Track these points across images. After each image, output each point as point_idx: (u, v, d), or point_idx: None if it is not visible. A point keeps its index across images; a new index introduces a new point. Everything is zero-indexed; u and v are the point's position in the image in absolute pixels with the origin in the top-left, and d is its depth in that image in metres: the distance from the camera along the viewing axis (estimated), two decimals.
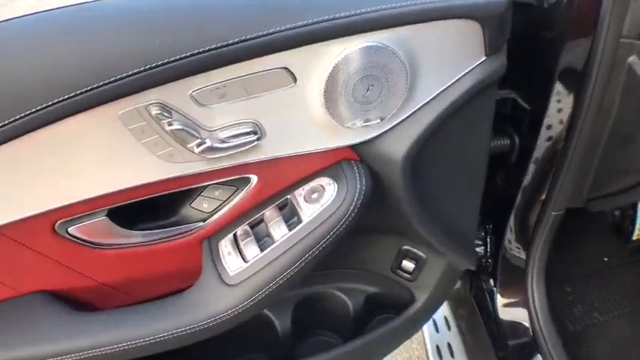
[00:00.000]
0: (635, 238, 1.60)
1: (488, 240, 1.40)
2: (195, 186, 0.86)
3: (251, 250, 0.90)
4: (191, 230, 0.93)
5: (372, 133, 0.88)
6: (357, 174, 0.89)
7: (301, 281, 0.91)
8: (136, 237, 0.90)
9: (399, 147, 0.87)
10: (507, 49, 0.91)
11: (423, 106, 0.87)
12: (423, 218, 1.02)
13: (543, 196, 1.22)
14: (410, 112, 0.87)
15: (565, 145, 1.13)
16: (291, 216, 0.92)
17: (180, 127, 0.74)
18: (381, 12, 0.75)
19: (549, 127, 1.14)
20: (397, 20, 0.77)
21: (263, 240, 0.91)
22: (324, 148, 0.87)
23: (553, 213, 1.22)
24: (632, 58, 1.01)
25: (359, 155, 0.92)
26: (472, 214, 1.14)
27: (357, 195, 0.88)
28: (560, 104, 1.11)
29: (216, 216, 0.93)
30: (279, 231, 0.90)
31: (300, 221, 0.89)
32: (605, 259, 1.62)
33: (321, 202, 0.89)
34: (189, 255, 0.95)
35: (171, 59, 0.68)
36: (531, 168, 1.20)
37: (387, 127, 0.87)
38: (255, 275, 0.87)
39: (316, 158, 0.89)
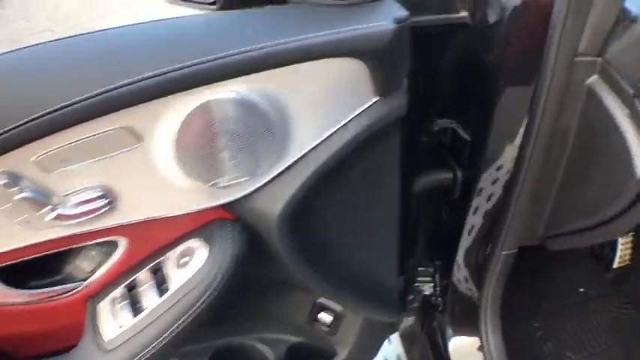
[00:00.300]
0: (616, 266, 1.41)
1: (437, 277, 1.23)
2: (70, 247, 0.82)
3: (125, 314, 0.85)
4: (75, 289, 0.89)
5: (242, 191, 0.79)
6: (230, 235, 0.83)
7: (201, 337, 0.89)
8: (21, 296, 0.86)
9: (274, 204, 0.79)
10: (446, 72, 0.84)
11: (301, 158, 0.78)
12: (317, 273, 0.90)
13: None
14: (284, 167, 0.78)
15: (513, 178, 0.96)
16: (162, 281, 0.86)
17: (29, 195, 0.71)
18: (233, 58, 0.66)
19: (493, 158, 0.97)
20: (253, 66, 0.68)
21: (137, 305, 0.86)
22: (189, 210, 0.79)
23: (503, 253, 1.05)
24: (592, 79, 0.87)
25: (234, 213, 0.82)
26: (389, 262, 1.01)
27: (229, 259, 0.80)
28: (505, 133, 0.96)
29: (96, 276, 0.88)
30: (149, 297, 0.84)
31: (167, 289, 0.83)
32: (582, 290, 1.44)
33: (190, 267, 0.81)
34: (74, 314, 0.91)
35: (5, 129, 0.65)
36: (476, 203, 1.03)
37: (260, 184, 0.79)
38: (130, 341, 0.83)
39: (186, 219, 0.82)
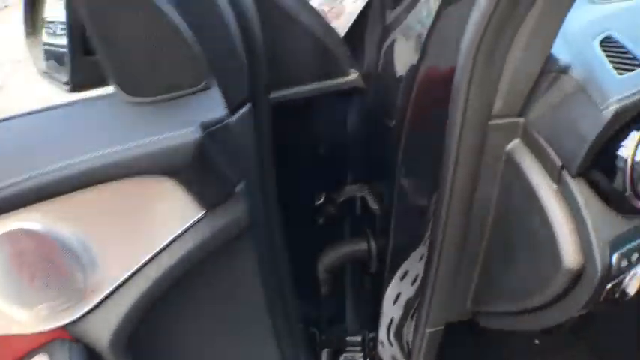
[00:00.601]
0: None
1: (366, 348, 1.09)
2: None
3: None
4: None
5: (70, 316, 0.69)
6: (69, 356, 0.72)
7: None
8: None
9: (104, 328, 0.70)
10: (351, 138, 0.76)
11: (128, 280, 0.67)
12: None
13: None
14: (108, 292, 0.67)
15: (430, 253, 0.81)
16: None
17: None
18: (16, 187, 0.55)
19: (404, 229, 0.83)
20: (36, 195, 0.56)
21: None
22: (24, 332, 0.71)
23: (428, 330, 0.91)
24: (513, 144, 0.72)
25: (71, 335, 0.72)
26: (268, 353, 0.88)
27: None
28: (415, 204, 0.84)
29: None
30: None
31: None
32: (537, 342, 1.30)
33: None
34: None
35: None
36: (395, 276, 0.89)
37: (88, 308, 0.69)
38: None
39: (27, 339, 0.74)
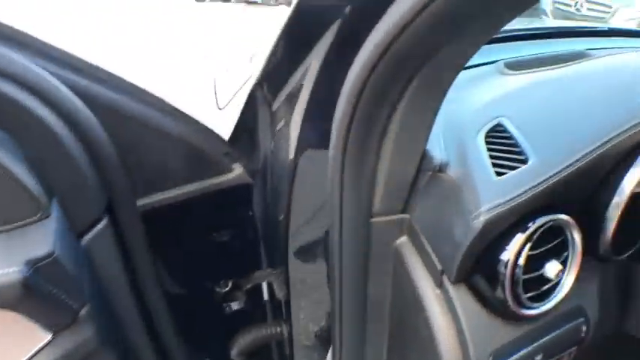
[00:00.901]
0: None
1: None
2: None
3: None
4: None
5: None
6: None
7: None
8: None
9: None
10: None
11: None
12: None
13: None
14: None
15: (332, 347, 0.78)
16: None
17: None
18: None
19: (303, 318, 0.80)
20: None
21: None
22: None
23: None
24: (401, 241, 0.70)
25: None
26: None
27: None
28: (311, 294, 0.83)
29: None
30: None
31: None
32: None
33: None
34: None
35: None
36: None
37: None
38: None
39: None
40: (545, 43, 1.24)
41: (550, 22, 4.54)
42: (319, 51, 0.65)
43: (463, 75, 0.91)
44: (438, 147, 0.66)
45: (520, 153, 0.67)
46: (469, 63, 0.96)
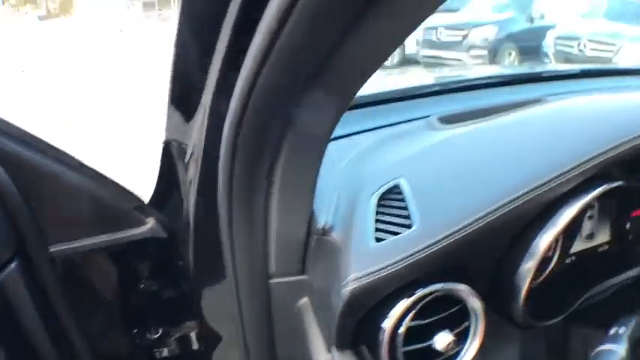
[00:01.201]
0: None
1: None
2: None
3: None
4: None
5: None
6: None
7: None
8: None
9: None
10: None
11: None
12: None
13: None
14: None
15: None
16: None
17: None
18: None
19: None
20: None
21: None
22: None
23: None
24: (302, 302, 0.68)
25: None
26: None
27: None
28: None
29: None
30: None
31: None
32: None
33: None
34: None
35: None
36: None
37: None
38: None
39: None
40: (513, 89, 1.21)
41: (551, 65, 4.50)
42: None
43: (390, 131, 0.88)
44: (327, 209, 0.63)
45: (407, 217, 0.63)
46: (402, 118, 0.93)
